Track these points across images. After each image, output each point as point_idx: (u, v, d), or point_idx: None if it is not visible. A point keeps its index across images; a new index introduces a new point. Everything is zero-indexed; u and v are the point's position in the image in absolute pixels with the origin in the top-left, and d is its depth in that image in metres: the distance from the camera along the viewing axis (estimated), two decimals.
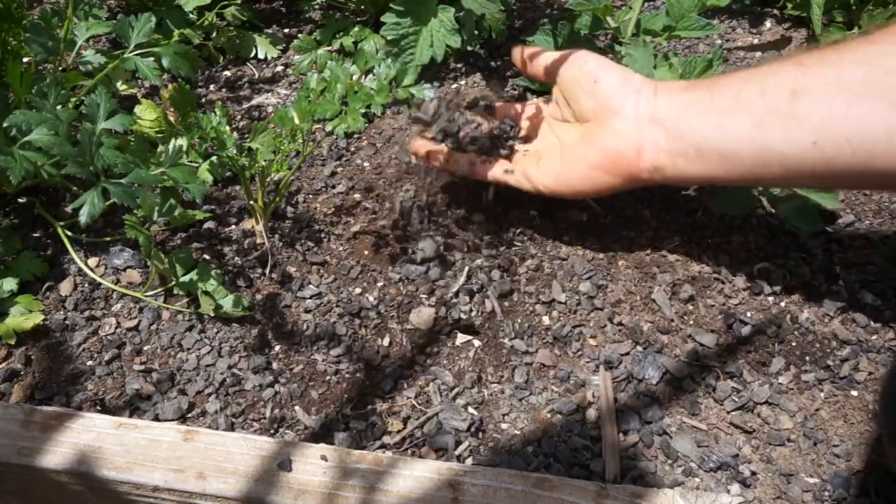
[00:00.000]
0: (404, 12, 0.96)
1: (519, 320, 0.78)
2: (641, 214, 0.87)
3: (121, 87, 1.05)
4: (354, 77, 0.75)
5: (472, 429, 0.69)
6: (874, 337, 0.75)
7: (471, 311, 0.78)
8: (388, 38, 0.96)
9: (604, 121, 0.74)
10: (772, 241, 0.84)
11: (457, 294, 0.80)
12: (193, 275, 0.78)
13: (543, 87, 1.02)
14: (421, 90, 0.74)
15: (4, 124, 0.70)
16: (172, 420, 0.70)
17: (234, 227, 0.88)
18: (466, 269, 0.82)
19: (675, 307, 0.78)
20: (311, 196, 0.91)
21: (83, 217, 0.69)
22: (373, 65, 0.74)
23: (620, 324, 0.77)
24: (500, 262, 0.83)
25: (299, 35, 1.11)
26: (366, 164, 0.95)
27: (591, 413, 0.70)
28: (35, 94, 0.73)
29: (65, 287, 0.81)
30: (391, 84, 0.73)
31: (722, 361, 0.74)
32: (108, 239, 0.85)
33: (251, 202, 0.82)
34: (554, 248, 0.84)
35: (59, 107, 0.74)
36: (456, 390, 0.72)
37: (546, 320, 0.78)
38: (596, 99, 0.74)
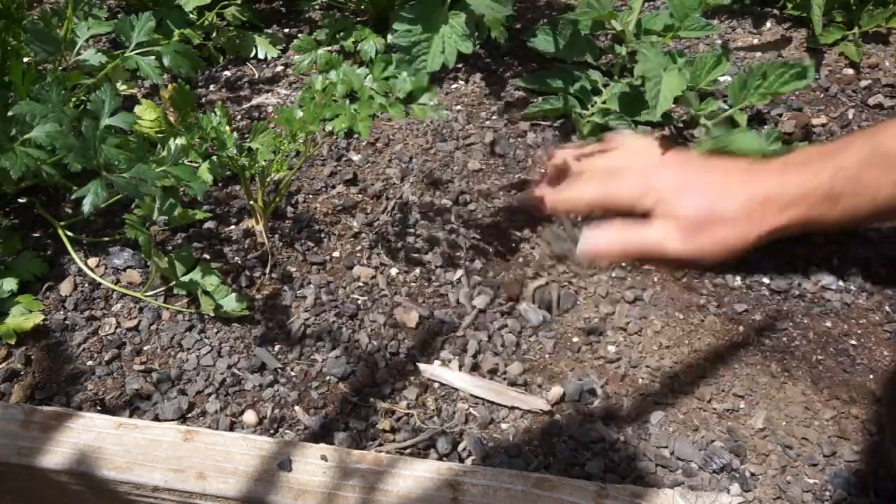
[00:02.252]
0: (415, 19, 0.96)
1: (519, 320, 0.78)
2: None
3: (121, 87, 1.05)
4: (366, 82, 0.74)
5: (473, 428, 0.69)
6: (874, 337, 0.75)
7: (470, 310, 0.78)
8: (401, 45, 0.96)
9: None
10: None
11: (456, 295, 0.80)
12: (193, 275, 0.78)
13: (543, 88, 1.02)
14: (438, 110, 0.74)
15: (10, 113, 0.70)
16: (172, 420, 0.70)
17: (234, 226, 0.88)
18: (466, 269, 0.82)
19: None
20: (311, 196, 0.91)
21: (86, 206, 0.68)
22: (388, 74, 0.74)
23: (620, 327, 0.77)
24: (500, 262, 0.83)
25: (299, 35, 1.11)
26: (366, 164, 0.95)
27: (591, 413, 0.70)
28: (36, 93, 0.73)
29: (65, 287, 0.81)
30: (406, 98, 0.73)
31: (722, 361, 0.74)
32: (107, 239, 0.85)
33: (251, 202, 0.82)
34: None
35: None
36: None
37: (546, 320, 0.78)
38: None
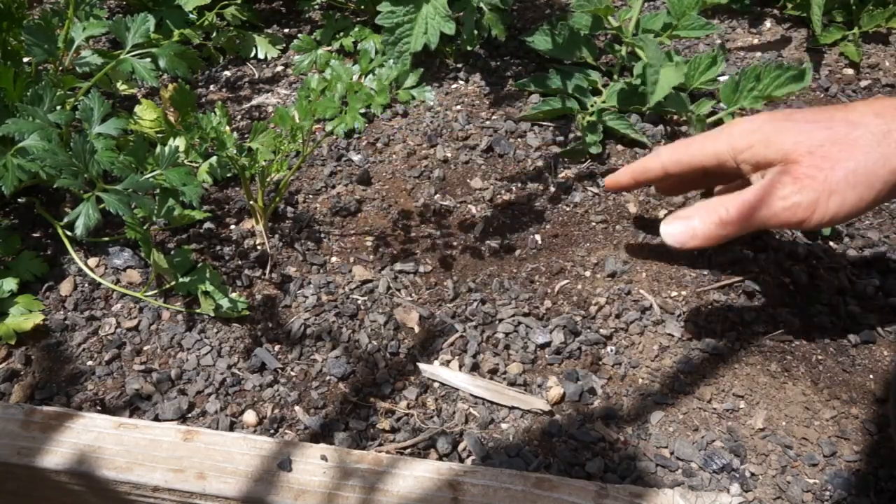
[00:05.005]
0: (398, 0, 0.96)
1: (518, 319, 0.78)
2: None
3: (121, 86, 1.05)
4: (355, 77, 0.75)
5: (473, 428, 0.69)
6: (874, 339, 0.75)
7: (469, 310, 0.78)
8: (384, 25, 0.96)
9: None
10: (760, 238, 0.84)
11: (455, 295, 0.80)
12: (193, 275, 0.78)
13: (542, 88, 1.02)
14: (422, 92, 0.74)
15: None
16: (172, 420, 0.70)
17: (233, 227, 0.88)
18: (465, 270, 0.82)
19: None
20: (311, 196, 0.91)
21: (79, 230, 0.69)
22: (375, 66, 0.74)
23: (620, 328, 0.77)
24: (500, 262, 0.83)
25: (299, 35, 1.11)
26: (366, 163, 0.95)
27: (591, 413, 0.70)
28: (30, 99, 0.73)
29: (65, 287, 0.81)
30: (392, 85, 0.73)
31: (722, 361, 0.74)
32: (107, 239, 0.85)
33: (251, 202, 0.82)
34: (552, 255, 0.84)
35: (57, 107, 0.74)
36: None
37: (541, 317, 0.78)
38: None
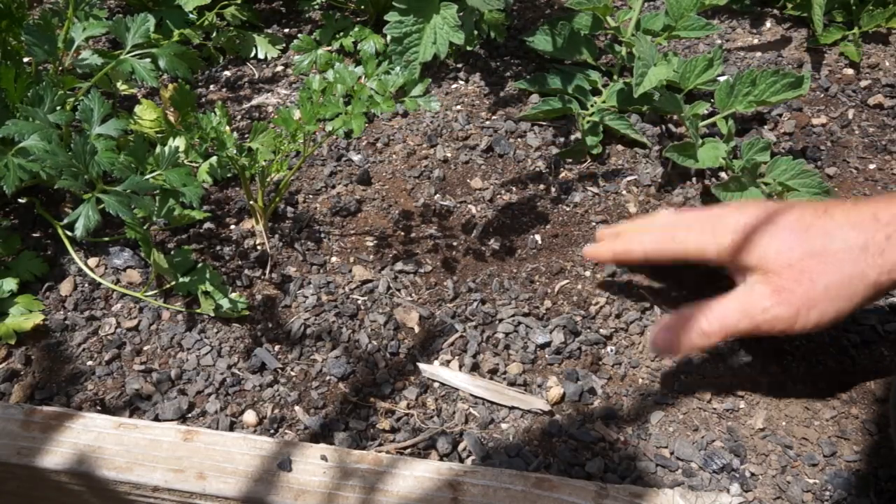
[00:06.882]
0: (407, 10, 0.96)
1: (518, 319, 0.78)
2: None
3: (121, 86, 1.05)
4: (360, 80, 0.75)
5: (473, 428, 0.69)
6: (874, 339, 0.75)
7: (469, 310, 0.78)
8: (392, 35, 0.96)
9: None
10: None
11: (455, 295, 0.80)
12: (193, 275, 0.78)
13: (542, 88, 1.02)
14: (428, 101, 0.74)
15: None
16: (172, 420, 0.70)
17: (233, 227, 0.88)
18: (465, 270, 0.82)
19: None
20: (311, 196, 0.91)
21: (79, 231, 0.69)
22: (380, 72, 0.74)
23: (620, 328, 0.77)
24: (500, 263, 0.83)
25: (299, 35, 1.11)
26: (366, 164, 0.95)
27: (591, 413, 0.70)
28: (31, 99, 0.73)
29: (65, 287, 0.81)
30: (397, 92, 0.73)
31: (722, 361, 0.74)
32: (108, 239, 0.85)
33: (251, 202, 0.82)
34: (553, 255, 0.84)
35: (57, 108, 0.74)
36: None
37: (541, 317, 0.78)
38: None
